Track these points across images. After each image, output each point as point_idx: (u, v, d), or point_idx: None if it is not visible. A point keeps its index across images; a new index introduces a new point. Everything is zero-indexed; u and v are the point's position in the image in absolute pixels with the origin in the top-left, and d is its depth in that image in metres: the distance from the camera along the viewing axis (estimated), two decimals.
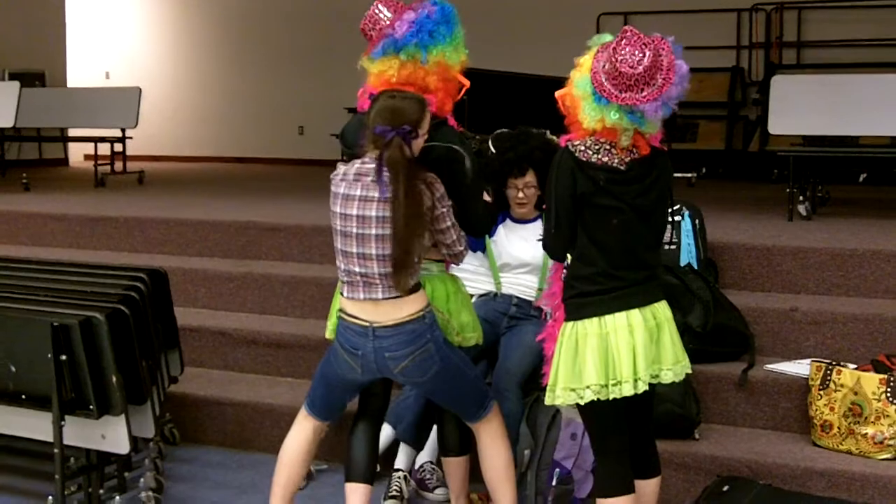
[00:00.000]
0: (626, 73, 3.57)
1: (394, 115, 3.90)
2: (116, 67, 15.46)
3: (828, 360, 4.91)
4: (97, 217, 7.91)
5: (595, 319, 3.72)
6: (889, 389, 4.64)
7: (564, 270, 3.91)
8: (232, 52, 14.83)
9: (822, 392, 4.80)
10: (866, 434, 4.67)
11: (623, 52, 3.58)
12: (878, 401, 4.65)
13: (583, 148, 3.73)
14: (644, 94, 3.59)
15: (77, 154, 14.31)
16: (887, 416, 4.63)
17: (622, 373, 3.68)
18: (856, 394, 4.71)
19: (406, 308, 3.96)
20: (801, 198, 7.41)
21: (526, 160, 4.92)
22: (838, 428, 4.74)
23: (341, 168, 4.03)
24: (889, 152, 8.97)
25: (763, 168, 11.18)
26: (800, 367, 5.10)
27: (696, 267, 5.65)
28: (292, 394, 5.70)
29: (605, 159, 3.71)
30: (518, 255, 5.07)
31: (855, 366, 4.88)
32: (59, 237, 7.89)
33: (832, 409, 4.75)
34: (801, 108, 7.53)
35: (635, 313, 3.72)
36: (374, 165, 3.89)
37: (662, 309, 3.80)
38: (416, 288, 3.99)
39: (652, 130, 3.73)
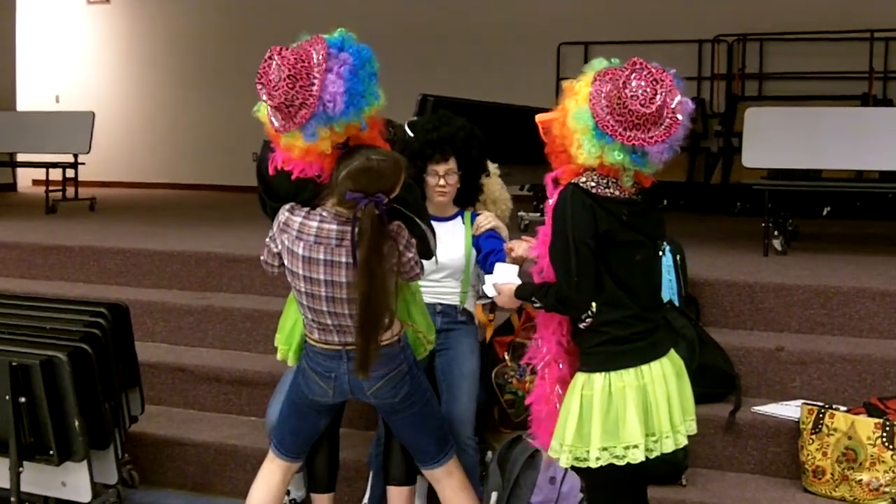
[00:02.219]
0: (635, 110, 3.28)
1: (370, 180, 3.67)
2: (66, 91, 15.18)
3: (819, 403, 4.78)
4: (50, 246, 7.66)
5: (632, 370, 3.43)
6: (885, 434, 4.50)
7: (584, 320, 3.52)
8: (184, 77, 14.62)
9: (814, 436, 4.65)
10: (861, 480, 4.53)
11: (633, 87, 3.28)
12: (874, 446, 4.51)
13: (593, 184, 3.43)
14: (651, 134, 3.31)
15: (25, 179, 14.01)
16: (883, 461, 4.49)
17: (662, 426, 3.43)
18: (850, 438, 4.57)
19: (382, 336, 3.82)
20: (775, 232, 7.31)
21: (449, 143, 4.48)
22: (832, 474, 4.59)
23: (295, 219, 3.81)
24: (861, 186, 8.95)
25: (726, 201, 11.12)
26: (788, 410, 4.96)
27: (677, 304, 5.51)
28: (257, 434, 5.50)
29: (618, 192, 3.45)
30: (438, 259, 4.36)
31: (845, 408, 4.75)
32: (10, 266, 7.62)
33: (825, 454, 4.61)
34: (774, 140, 7.46)
35: (665, 361, 3.49)
36: (336, 227, 3.74)
37: (676, 355, 3.60)
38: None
39: (651, 171, 3.49)
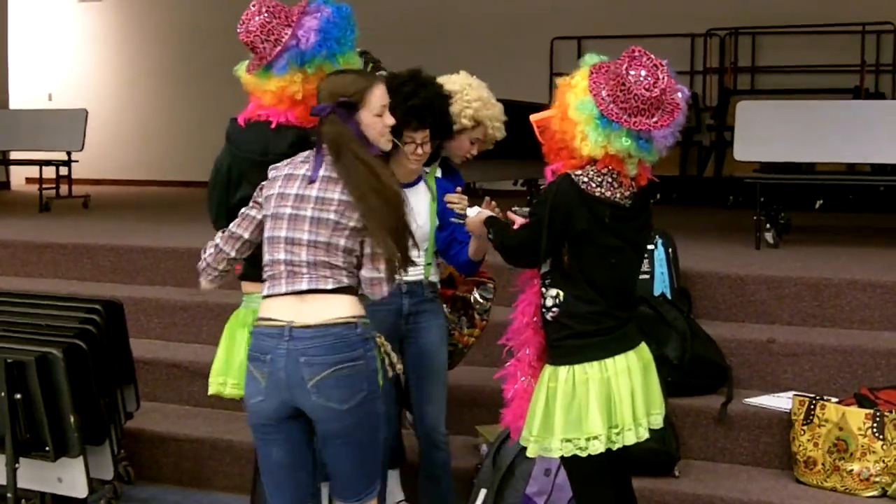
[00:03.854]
0: (640, 95, 3.32)
1: (331, 92, 3.48)
2: (59, 89, 15.16)
3: (811, 395, 4.80)
4: (44, 243, 7.66)
5: (596, 364, 3.46)
6: (875, 425, 4.53)
7: (550, 309, 3.57)
8: (177, 73, 14.59)
9: (805, 427, 4.68)
10: (852, 471, 4.55)
11: (636, 73, 3.33)
12: (864, 436, 4.54)
13: (586, 179, 3.45)
14: (655, 119, 3.36)
15: (18, 177, 13.99)
16: (874, 452, 4.52)
17: (624, 419, 3.46)
18: (841, 429, 4.59)
19: (335, 308, 3.39)
20: (767, 225, 7.33)
21: (428, 109, 4.15)
22: (823, 464, 4.62)
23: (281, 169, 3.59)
24: (853, 178, 8.96)
25: (718, 194, 11.15)
26: (780, 401, 4.99)
27: (669, 297, 5.53)
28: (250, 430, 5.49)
29: (609, 193, 3.46)
30: None
31: (836, 399, 4.77)
32: (4, 264, 7.62)
33: (816, 444, 4.64)
34: (766, 134, 7.47)
35: (632, 355, 3.52)
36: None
37: (646, 349, 3.62)
38: (349, 290, 3.44)
39: (654, 160, 3.52)
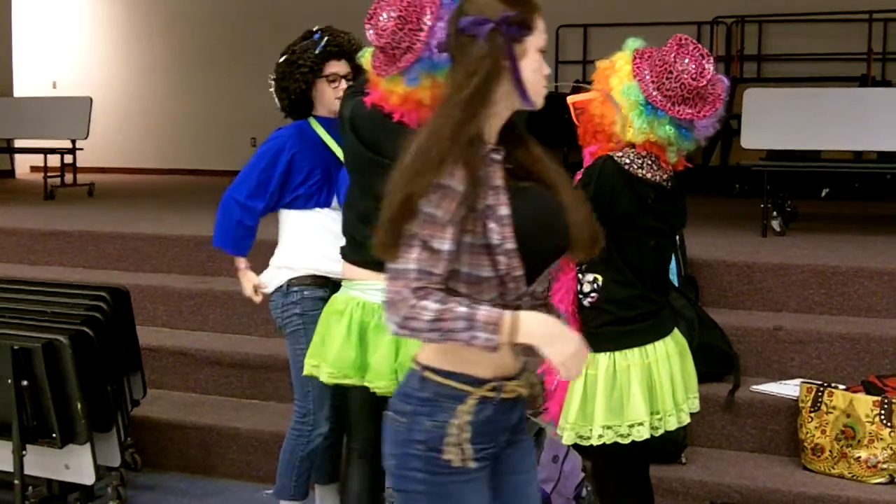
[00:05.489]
0: (687, 84, 3.34)
1: (485, 3, 2.50)
2: (63, 77, 15.14)
3: (818, 382, 4.79)
4: (49, 231, 7.66)
5: (637, 350, 3.45)
6: (883, 412, 4.52)
7: (588, 294, 3.56)
8: (182, 61, 14.57)
9: (812, 414, 4.67)
10: (859, 457, 4.54)
11: (685, 63, 3.35)
12: (872, 423, 4.53)
13: (628, 161, 3.46)
14: (699, 108, 3.38)
15: (23, 166, 13.99)
16: (881, 439, 4.51)
17: (665, 405, 3.46)
18: (848, 416, 4.58)
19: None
20: (774, 213, 7.31)
21: None
22: (830, 451, 4.61)
23: None
24: (860, 166, 8.94)
25: (725, 182, 11.11)
26: (787, 388, 4.98)
27: (676, 284, 5.51)
28: (258, 416, 5.53)
29: (650, 175, 3.47)
30: None
31: (844, 387, 4.76)
32: (9, 252, 7.62)
33: (824, 431, 4.62)
34: (773, 122, 7.46)
35: (669, 340, 3.52)
36: None
37: (679, 333, 3.62)
38: None
39: (692, 148, 3.52)
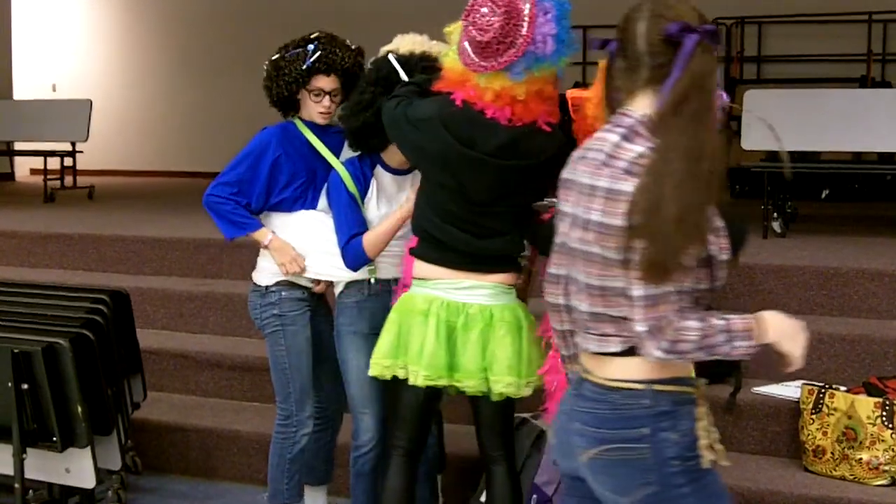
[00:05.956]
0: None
1: (680, 12, 2.57)
2: (63, 79, 15.14)
3: (819, 384, 4.78)
4: (49, 234, 7.66)
5: None
6: (884, 414, 4.51)
7: None
8: (181, 63, 14.56)
9: (814, 416, 4.66)
10: (861, 459, 4.53)
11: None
12: (874, 425, 4.52)
13: None
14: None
15: (23, 168, 13.99)
16: (882, 440, 4.50)
17: None
18: (850, 418, 4.57)
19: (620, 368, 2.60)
20: (774, 214, 7.31)
21: None
22: (832, 453, 4.60)
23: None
24: (860, 167, 8.93)
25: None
26: (788, 390, 4.97)
27: None
28: (259, 419, 5.51)
29: None
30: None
31: (845, 388, 4.75)
32: (9, 255, 7.62)
33: (825, 433, 4.62)
34: (773, 123, 7.43)
35: None
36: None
37: None
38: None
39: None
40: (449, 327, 3.72)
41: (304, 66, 4.19)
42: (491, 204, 3.71)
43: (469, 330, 3.70)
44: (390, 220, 4.05)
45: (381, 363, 3.83)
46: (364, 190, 4.15)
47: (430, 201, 3.79)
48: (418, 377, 3.72)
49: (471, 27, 3.50)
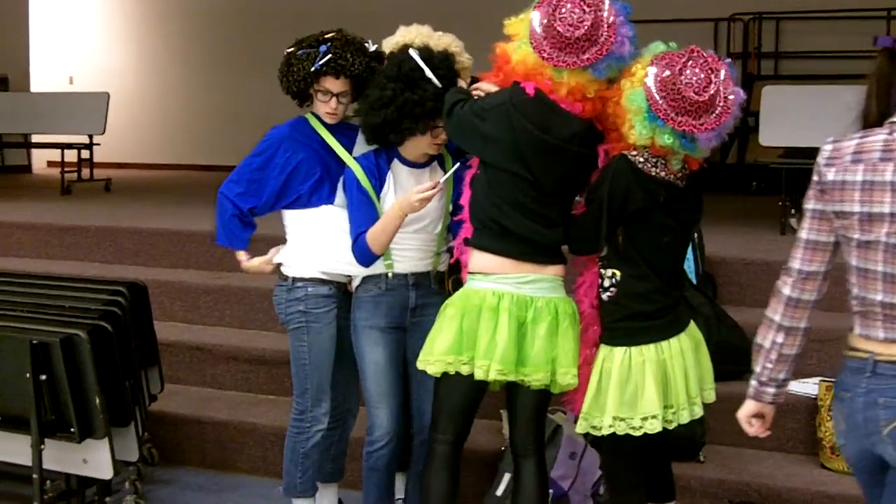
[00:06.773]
0: (689, 97, 3.37)
1: None
2: (80, 72, 15.17)
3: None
4: (66, 226, 7.70)
5: (652, 346, 3.55)
6: None
7: (608, 289, 3.66)
8: (199, 56, 14.59)
9: (831, 413, 4.64)
10: None
11: (688, 75, 3.38)
12: None
13: (642, 160, 3.50)
14: (702, 121, 3.40)
15: (40, 161, 14.02)
16: None
17: (679, 399, 3.55)
18: None
19: None
20: (792, 210, 7.29)
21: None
22: None
23: (846, 144, 3.00)
24: None
25: (741, 180, 11.08)
26: (806, 387, 4.96)
27: (694, 282, 5.49)
28: (275, 412, 5.52)
29: (663, 174, 3.52)
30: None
31: None
32: (26, 247, 7.65)
33: None
34: (790, 119, 7.43)
35: (684, 336, 3.59)
36: None
37: (695, 327, 3.68)
38: None
39: (700, 156, 3.56)
40: (519, 322, 3.71)
41: (313, 68, 4.19)
42: (556, 193, 3.72)
43: (538, 323, 3.70)
44: (388, 215, 4.00)
45: (443, 360, 3.76)
46: (379, 184, 4.12)
47: (493, 191, 3.73)
48: (490, 372, 3.69)
49: (557, 23, 3.50)
